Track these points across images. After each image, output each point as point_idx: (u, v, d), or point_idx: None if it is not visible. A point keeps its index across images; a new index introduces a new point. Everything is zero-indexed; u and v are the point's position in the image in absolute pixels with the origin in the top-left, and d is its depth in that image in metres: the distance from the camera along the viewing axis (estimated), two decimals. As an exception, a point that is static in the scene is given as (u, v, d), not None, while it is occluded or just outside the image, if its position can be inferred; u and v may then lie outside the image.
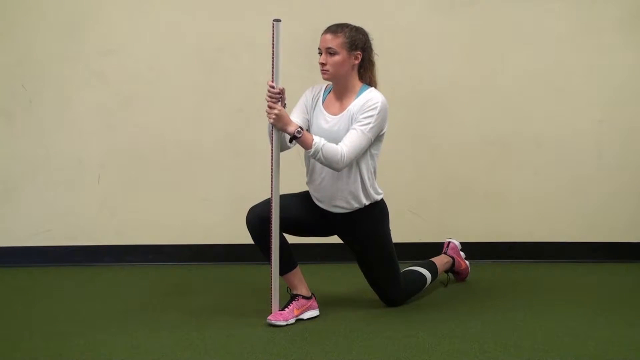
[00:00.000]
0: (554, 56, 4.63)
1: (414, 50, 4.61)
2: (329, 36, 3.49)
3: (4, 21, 4.57)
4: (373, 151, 3.57)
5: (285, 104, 3.46)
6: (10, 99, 4.60)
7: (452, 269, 4.16)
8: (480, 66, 4.63)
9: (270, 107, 3.40)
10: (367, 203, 3.60)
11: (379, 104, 3.47)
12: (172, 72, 4.62)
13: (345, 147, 3.42)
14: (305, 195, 3.70)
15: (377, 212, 3.65)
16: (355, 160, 3.51)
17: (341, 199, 3.58)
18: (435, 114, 4.63)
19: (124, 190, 4.66)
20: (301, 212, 3.65)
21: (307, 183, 3.69)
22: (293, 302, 3.56)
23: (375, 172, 3.62)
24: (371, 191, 3.60)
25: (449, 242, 4.23)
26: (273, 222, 3.47)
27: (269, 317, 3.50)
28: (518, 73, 4.63)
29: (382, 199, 3.67)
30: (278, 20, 3.35)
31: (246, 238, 4.65)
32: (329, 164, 3.43)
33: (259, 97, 4.60)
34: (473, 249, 4.45)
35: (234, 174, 4.67)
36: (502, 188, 4.68)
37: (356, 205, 3.59)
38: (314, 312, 3.61)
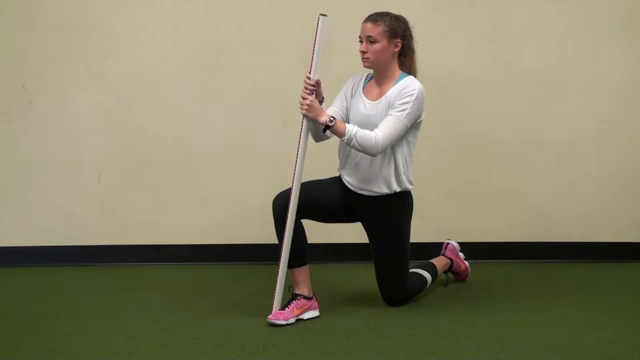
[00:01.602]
0: (554, 56, 4.63)
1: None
2: (369, 25, 3.55)
3: (4, 21, 4.57)
4: (409, 138, 3.61)
5: (323, 98, 3.55)
6: (10, 99, 4.60)
7: (451, 269, 4.16)
8: (480, 66, 4.63)
9: (303, 98, 3.46)
10: (397, 190, 3.62)
11: (415, 91, 3.52)
12: (172, 72, 4.62)
13: (380, 132, 3.47)
14: (333, 181, 3.74)
15: (404, 202, 3.68)
16: (391, 146, 3.56)
17: (373, 183, 3.61)
18: (435, 114, 4.61)
19: (124, 190, 4.66)
20: (327, 196, 3.69)
21: (340, 169, 3.73)
22: (294, 301, 3.56)
23: (411, 160, 3.65)
24: (404, 178, 3.63)
25: (447, 244, 4.23)
26: (289, 216, 3.50)
27: (269, 317, 3.50)
28: (518, 73, 4.63)
29: (411, 193, 3.70)
30: (324, 15, 3.44)
31: (246, 238, 4.67)
32: (364, 149, 3.48)
33: (259, 97, 4.63)
34: (473, 249, 4.45)
35: (234, 174, 4.67)
36: (502, 188, 4.68)
37: (386, 190, 3.61)
38: (314, 313, 3.61)
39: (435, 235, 4.57)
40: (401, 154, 3.60)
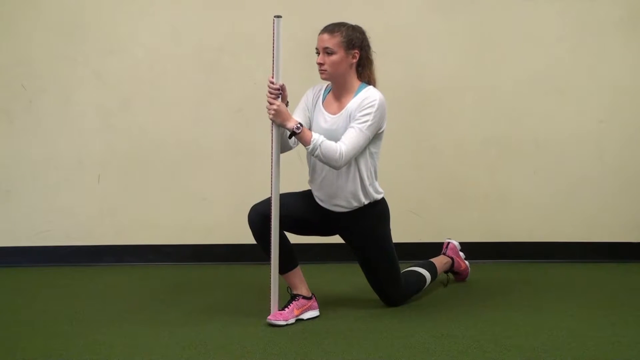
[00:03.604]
0: (554, 56, 4.63)
1: (414, 50, 4.61)
2: (326, 36, 3.50)
3: (4, 21, 4.57)
4: (372, 149, 3.57)
5: (287, 102, 3.48)
6: (10, 99, 4.61)
7: (452, 269, 4.16)
8: (480, 66, 4.63)
9: (269, 103, 3.42)
10: (366, 202, 3.60)
11: (376, 102, 3.47)
12: (172, 72, 4.62)
13: (344, 145, 3.42)
14: (307, 194, 3.70)
15: (377, 211, 3.65)
16: (354, 159, 3.52)
17: (341, 197, 3.58)
18: (435, 114, 4.63)
19: (123, 190, 4.66)
20: (303, 210, 3.66)
21: (309, 182, 3.69)
22: (293, 302, 3.56)
23: (375, 171, 3.62)
24: (371, 190, 3.60)
25: (448, 243, 4.22)
26: (273, 221, 3.48)
27: (268, 317, 3.50)
28: (518, 73, 4.63)
29: (382, 199, 3.67)
30: (279, 17, 3.38)
31: (246, 238, 4.65)
32: (328, 161, 3.44)
33: (259, 97, 4.60)
34: (473, 249, 4.44)
35: (234, 174, 4.67)
36: (502, 188, 4.68)
37: (356, 204, 3.59)
38: (314, 313, 3.61)
39: (435, 235, 4.57)
40: (365, 167, 3.56)
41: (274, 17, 3.38)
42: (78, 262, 4.66)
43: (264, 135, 4.62)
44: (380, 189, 3.66)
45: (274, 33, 3.38)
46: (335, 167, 3.47)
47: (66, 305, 3.83)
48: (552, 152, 4.66)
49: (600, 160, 4.66)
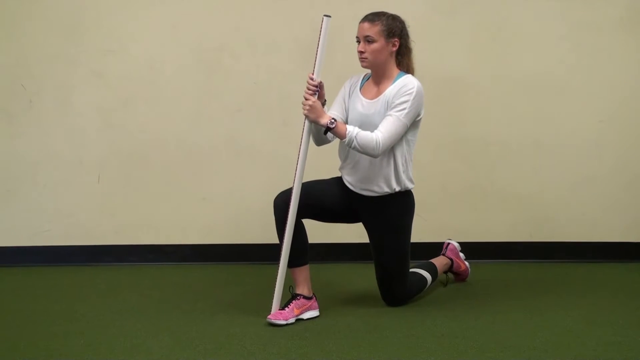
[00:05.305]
0: (555, 56, 4.63)
1: (414, 50, 4.60)
2: (366, 25, 3.55)
3: (4, 21, 4.58)
4: (409, 137, 3.61)
5: (325, 101, 3.55)
6: (10, 99, 4.61)
7: (451, 269, 4.16)
8: (481, 66, 4.63)
9: (305, 98, 3.47)
10: (397, 189, 3.62)
11: (414, 90, 3.51)
12: (172, 72, 4.62)
13: (381, 133, 3.46)
14: (334, 181, 3.74)
15: (404, 201, 3.68)
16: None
17: (373, 182, 3.61)
18: (435, 114, 4.62)
19: (124, 190, 4.66)
20: (328, 196, 3.69)
21: (340, 168, 3.73)
22: (294, 301, 3.56)
23: (410, 159, 3.65)
24: (404, 177, 3.62)
25: (448, 244, 4.23)
26: (290, 213, 3.50)
27: (268, 317, 3.50)
28: (518, 73, 4.63)
29: (411, 192, 3.70)
30: (328, 16, 3.46)
31: (246, 238, 4.68)
32: (365, 151, 3.48)
33: (259, 97, 4.63)
34: (473, 249, 4.44)
35: (234, 174, 4.67)
36: (502, 188, 4.68)
37: (386, 190, 3.61)
38: (314, 313, 3.62)
39: (435, 235, 4.56)
40: (400, 153, 3.60)
41: (324, 15, 3.46)
42: (78, 262, 4.66)
43: (264, 135, 4.64)
44: (413, 180, 3.68)
45: (320, 31, 3.44)
46: (374, 156, 3.50)
47: (66, 305, 3.83)
48: (552, 152, 4.66)
49: (600, 160, 4.66)
